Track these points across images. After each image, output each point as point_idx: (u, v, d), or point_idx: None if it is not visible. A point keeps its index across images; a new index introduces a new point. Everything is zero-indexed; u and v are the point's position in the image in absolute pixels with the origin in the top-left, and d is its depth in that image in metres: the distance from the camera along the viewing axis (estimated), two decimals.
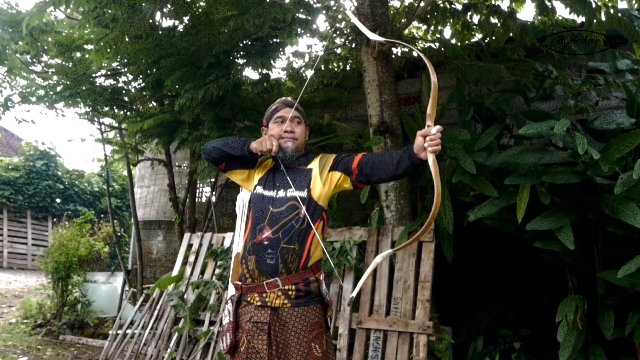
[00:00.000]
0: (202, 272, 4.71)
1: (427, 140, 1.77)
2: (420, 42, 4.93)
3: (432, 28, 4.84)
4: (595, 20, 3.42)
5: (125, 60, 5.31)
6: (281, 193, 2.09)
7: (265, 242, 2.03)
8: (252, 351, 1.98)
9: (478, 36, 4.49)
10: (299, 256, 2.04)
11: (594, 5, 3.39)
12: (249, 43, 4.96)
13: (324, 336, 2.08)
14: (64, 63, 5.60)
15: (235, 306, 2.09)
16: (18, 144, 16.86)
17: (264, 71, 5.11)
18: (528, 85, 4.06)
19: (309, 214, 2.03)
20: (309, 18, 4.23)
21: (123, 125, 6.57)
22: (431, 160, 1.79)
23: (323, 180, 2.10)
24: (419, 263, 3.62)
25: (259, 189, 2.14)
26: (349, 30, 4.49)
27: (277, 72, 6.06)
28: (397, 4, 5.10)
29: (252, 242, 2.07)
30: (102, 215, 13.71)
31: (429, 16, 4.38)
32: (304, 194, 2.06)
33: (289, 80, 5.33)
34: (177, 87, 4.99)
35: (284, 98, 2.27)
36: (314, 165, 2.16)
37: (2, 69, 5.78)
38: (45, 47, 5.37)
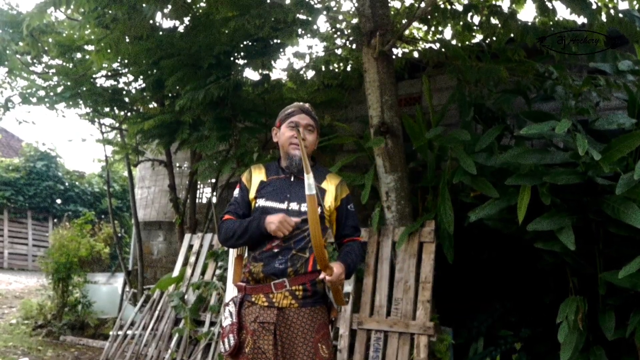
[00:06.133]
0: (203, 273, 4.71)
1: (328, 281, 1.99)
2: (421, 42, 4.93)
3: (433, 29, 4.84)
4: (596, 21, 3.42)
5: (126, 61, 5.30)
6: (294, 206, 2.09)
7: (276, 250, 2.05)
8: (257, 351, 1.98)
9: (479, 37, 4.48)
10: (307, 261, 2.06)
11: (594, 6, 3.39)
12: (250, 44, 4.95)
13: (329, 337, 2.09)
14: (64, 64, 5.60)
15: (238, 307, 2.09)
16: (18, 144, 16.87)
17: (265, 72, 5.10)
18: (529, 86, 4.05)
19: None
20: (310, 19, 4.23)
21: (123, 126, 6.57)
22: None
23: (332, 208, 2.16)
24: (419, 264, 3.62)
25: (261, 202, 2.13)
26: (349, 30, 4.50)
27: (278, 72, 6.06)
28: (398, 5, 5.10)
29: (261, 251, 2.07)
30: (103, 216, 13.71)
31: (429, 17, 4.37)
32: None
33: (290, 80, 5.33)
34: (177, 87, 4.99)
35: (300, 103, 2.26)
36: (328, 187, 2.18)
37: (3, 70, 5.79)
38: (46, 48, 5.38)
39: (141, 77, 5.55)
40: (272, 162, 2.31)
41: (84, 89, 5.52)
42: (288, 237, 2.04)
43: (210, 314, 4.32)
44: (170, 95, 5.56)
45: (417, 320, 3.41)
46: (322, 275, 1.96)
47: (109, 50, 4.39)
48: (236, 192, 2.24)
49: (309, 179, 1.88)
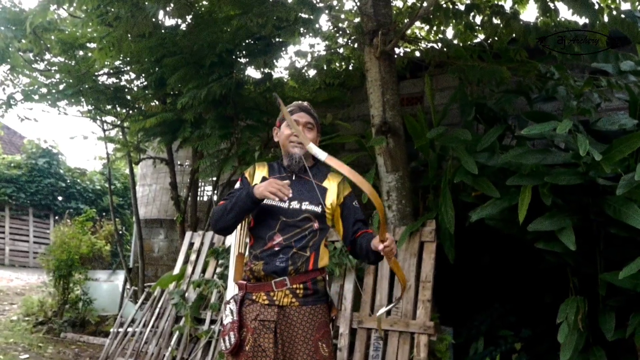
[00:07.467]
0: (204, 271, 4.72)
1: (383, 247, 1.87)
2: (423, 42, 4.93)
3: (435, 28, 4.84)
4: (597, 22, 3.42)
5: (128, 59, 5.31)
6: (295, 204, 2.08)
7: (277, 248, 2.05)
8: (258, 350, 1.99)
9: (481, 37, 4.48)
10: (308, 260, 2.07)
11: (596, 6, 3.39)
12: (252, 42, 4.96)
13: (330, 335, 2.09)
14: (66, 61, 5.61)
15: (239, 305, 2.09)
16: (20, 141, 16.87)
17: (267, 70, 5.11)
18: (530, 86, 4.06)
19: (321, 227, 2.08)
20: (312, 18, 4.23)
21: (125, 124, 6.58)
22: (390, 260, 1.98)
23: (335, 206, 2.15)
24: (420, 263, 3.62)
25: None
26: (351, 30, 4.50)
27: (280, 71, 6.07)
28: (400, 4, 5.10)
29: (262, 249, 2.07)
30: (104, 214, 13.70)
31: (431, 16, 4.38)
32: (319, 209, 2.09)
33: (292, 79, 5.34)
34: (179, 85, 4.99)
35: (299, 102, 2.27)
36: (330, 185, 2.18)
37: (5, 67, 5.79)
38: (48, 45, 5.38)
39: (143, 75, 5.56)
40: (275, 161, 2.32)
41: (86, 86, 5.53)
42: (289, 236, 2.05)
43: (211, 312, 4.32)
44: (172, 93, 5.57)
45: (417, 320, 3.42)
46: (380, 246, 1.86)
47: (111, 48, 4.41)
48: (237, 185, 2.22)
49: (312, 149, 1.94)
